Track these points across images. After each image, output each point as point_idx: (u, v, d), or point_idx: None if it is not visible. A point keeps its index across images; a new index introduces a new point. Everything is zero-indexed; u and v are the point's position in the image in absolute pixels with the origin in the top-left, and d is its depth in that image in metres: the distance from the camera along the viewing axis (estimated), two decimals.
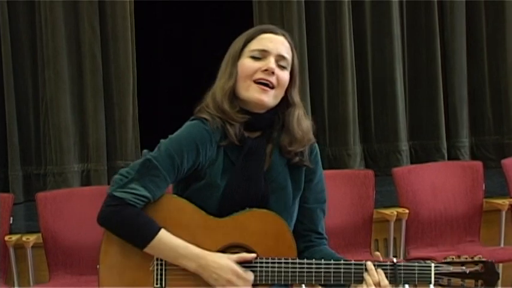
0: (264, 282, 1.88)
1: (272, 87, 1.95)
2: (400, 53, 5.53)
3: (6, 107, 4.80)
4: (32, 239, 3.40)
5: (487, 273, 1.89)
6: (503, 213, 3.81)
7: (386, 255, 3.68)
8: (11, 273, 3.39)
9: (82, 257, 3.28)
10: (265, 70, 1.94)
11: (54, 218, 3.32)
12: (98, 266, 1.90)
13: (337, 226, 3.46)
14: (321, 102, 5.37)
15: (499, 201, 3.85)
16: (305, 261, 1.89)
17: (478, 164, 3.90)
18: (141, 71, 5.08)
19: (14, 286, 3.39)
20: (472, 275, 1.88)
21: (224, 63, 2.01)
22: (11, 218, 3.42)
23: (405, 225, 3.66)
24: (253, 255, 1.88)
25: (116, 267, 1.89)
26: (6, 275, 3.37)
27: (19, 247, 3.42)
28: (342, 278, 1.88)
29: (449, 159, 5.45)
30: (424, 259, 3.38)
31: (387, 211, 3.70)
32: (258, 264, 1.88)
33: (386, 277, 1.87)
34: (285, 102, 2.00)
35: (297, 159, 2.00)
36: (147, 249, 1.86)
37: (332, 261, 1.89)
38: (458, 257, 1.90)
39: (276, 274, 1.88)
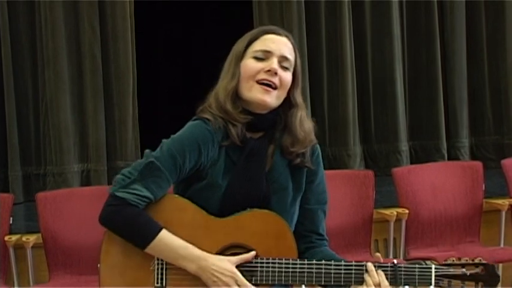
0: (264, 282, 1.89)
1: (275, 88, 1.95)
2: (400, 53, 5.53)
3: (6, 107, 4.79)
4: (31, 239, 3.40)
5: (488, 275, 1.89)
6: (503, 213, 3.82)
7: (386, 255, 3.68)
8: (11, 274, 3.39)
9: (82, 257, 3.28)
10: (268, 71, 1.94)
11: (54, 218, 3.31)
12: (98, 265, 1.90)
13: (337, 226, 3.46)
14: (320, 103, 5.37)
15: (499, 201, 3.85)
16: (305, 261, 1.89)
17: (478, 164, 3.90)
18: (141, 71, 5.08)
19: (13, 286, 3.39)
20: (472, 277, 1.89)
21: (227, 64, 2.02)
22: (11, 218, 3.42)
23: (405, 225, 3.66)
24: (253, 253, 1.88)
25: (117, 266, 1.89)
26: (6, 275, 3.37)
27: (19, 247, 3.42)
28: (342, 279, 1.89)
29: (449, 159, 5.45)
30: (424, 259, 3.40)
31: (387, 211, 3.70)
32: (259, 264, 1.89)
33: (387, 278, 1.87)
34: (287, 103, 2.01)
35: (298, 160, 2.00)
36: (147, 250, 1.86)
37: (332, 262, 1.89)
38: (459, 259, 1.91)
39: (276, 274, 1.89)
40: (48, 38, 4.79)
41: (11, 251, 3.37)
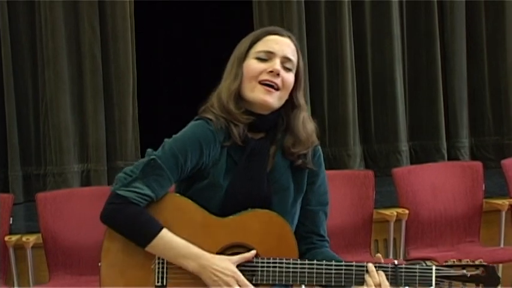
0: (264, 282, 1.89)
1: (277, 89, 1.95)
2: (400, 53, 5.53)
3: (6, 107, 4.80)
4: (31, 239, 3.40)
5: (488, 277, 1.89)
6: (503, 213, 3.82)
7: (386, 255, 3.68)
8: (11, 274, 3.39)
9: (82, 257, 3.28)
10: (271, 71, 1.94)
11: (54, 218, 3.32)
12: (99, 264, 1.91)
13: (337, 226, 3.46)
14: (321, 103, 5.37)
15: (499, 201, 3.86)
16: (306, 261, 1.89)
17: (478, 165, 3.90)
18: (141, 71, 5.08)
19: (13, 286, 3.39)
20: (472, 279, 1.89)
21: (230, 64, 2.01)
22: (11, 219, 3.42)
23: (405, 225, 3.66)
24: (253, 252, 1.88)
25: (118, 265, 1.90)
26: (6, 276, 3.37)
27: (19, 247, 3.42)
28: (342, 279, 1.89)
29: (449, 159, 5.45)
30: (424, 259, 3.40)
31: (387, 211, 3.70)
32: (259, 264, 1.89)
33: (387, 279, 1.87)
34: (290, 104, 2.01)
35: (300, 161, 2.00)
36: (148, 248, 1.86)
37: (333, 262, 1.89)
38: (460, 260, 1.91)
39: (277, 274, 1.89)
40: (48, 38, 4.80)
41: (11, 251, 3.37)
